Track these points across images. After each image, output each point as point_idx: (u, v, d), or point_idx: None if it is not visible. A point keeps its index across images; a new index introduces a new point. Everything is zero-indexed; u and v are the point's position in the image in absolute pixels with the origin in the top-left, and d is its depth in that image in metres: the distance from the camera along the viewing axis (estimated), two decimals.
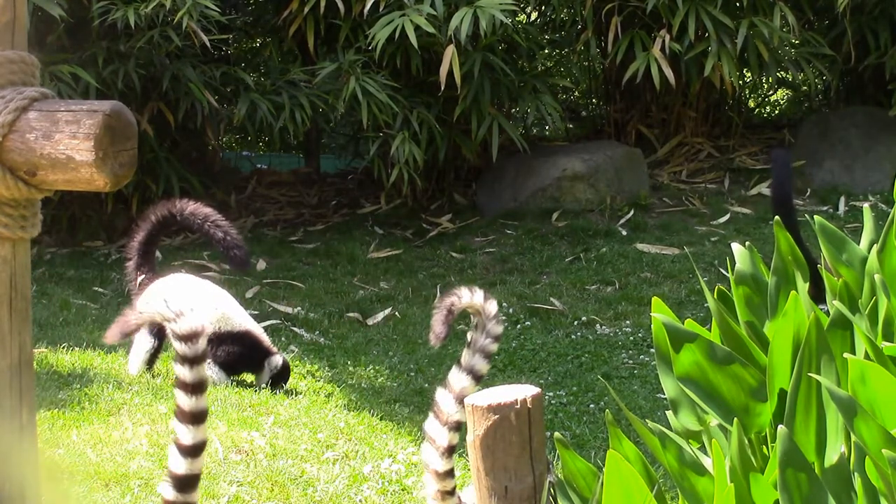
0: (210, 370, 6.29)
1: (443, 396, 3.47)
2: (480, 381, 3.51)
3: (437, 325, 3.61)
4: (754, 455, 2.86)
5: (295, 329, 7.86)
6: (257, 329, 6.51)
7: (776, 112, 13.41)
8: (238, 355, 6.34)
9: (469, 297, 3.53)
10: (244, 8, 11.16)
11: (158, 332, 6.32)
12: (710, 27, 9.81)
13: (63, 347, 6.68)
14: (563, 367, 7.38)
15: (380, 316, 8.19)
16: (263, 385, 6.32)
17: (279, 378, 6.38)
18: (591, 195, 10.04)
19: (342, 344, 7.64)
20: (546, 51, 11.84)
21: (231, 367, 6.35)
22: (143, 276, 6.45)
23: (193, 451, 3.21)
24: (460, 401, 3.40)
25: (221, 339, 6.30)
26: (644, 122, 11.11)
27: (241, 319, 6.43)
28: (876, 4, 10.48)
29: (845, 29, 10.38)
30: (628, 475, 2.76)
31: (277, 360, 6.40)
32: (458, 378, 3.49)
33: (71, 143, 2.26)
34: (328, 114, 10.00)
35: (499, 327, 3.57)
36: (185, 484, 3.24)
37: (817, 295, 3.09)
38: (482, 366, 3.50)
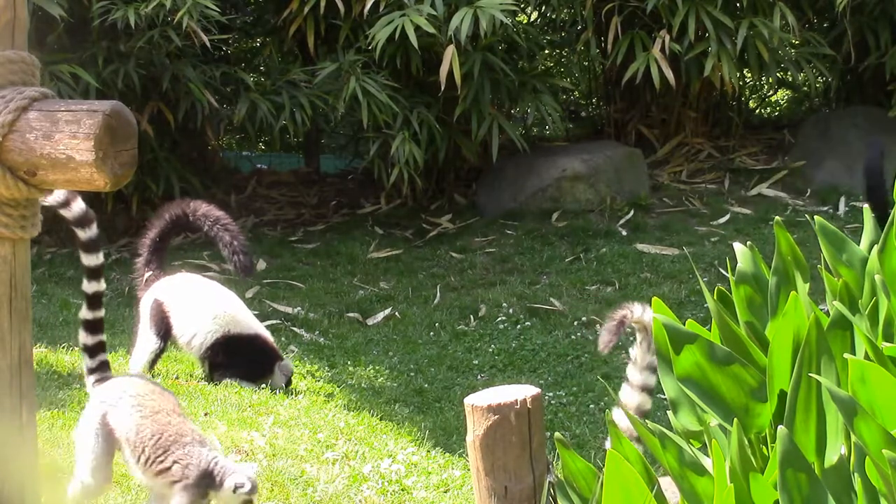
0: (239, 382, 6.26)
1: (620, 415, 3.55)
2: (652, 393, 3.70)
3: (607, 334, 3.76)
4: (754, 455, 2.86)
5: (295, 329, 7.86)
6: (265, 332, 6.49)
7: (776, 112, 13.40)
8: (256, 364, 6.29)
9: (640, 312, 3.69)
10: (244, 8, 11.16)
11: (164, 335, 6.28)
12: (710, 27, 9.80)
13: (63, 347, 6.67)
14: (563, 367, 7.38)
15: (380, 316, 8.19)
16: (282, 386, 6.32)
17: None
18: (591, 195, 10.03)
19: (342, 344, 7.64)
20: (546, 51, 11.83)
21: (252, 378, 6.31)
22: (150, 272, 6.42)
23: None
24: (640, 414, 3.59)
25: (230, 343, 6.27)
26: (644, 122, 11.10)
27: (250, 322, 6.41)
28: (876, 4, 10.47)
29: (845, 29, 10.38)
30: (628, 475, 2.76)
31: (289, 364, 6.43)
32: (631, 395, 3.61)
33: (71, 142, 2.26)
34: (328, 114, 10.00)
35: None
36: None
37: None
38: (651, 380, 3.68)
